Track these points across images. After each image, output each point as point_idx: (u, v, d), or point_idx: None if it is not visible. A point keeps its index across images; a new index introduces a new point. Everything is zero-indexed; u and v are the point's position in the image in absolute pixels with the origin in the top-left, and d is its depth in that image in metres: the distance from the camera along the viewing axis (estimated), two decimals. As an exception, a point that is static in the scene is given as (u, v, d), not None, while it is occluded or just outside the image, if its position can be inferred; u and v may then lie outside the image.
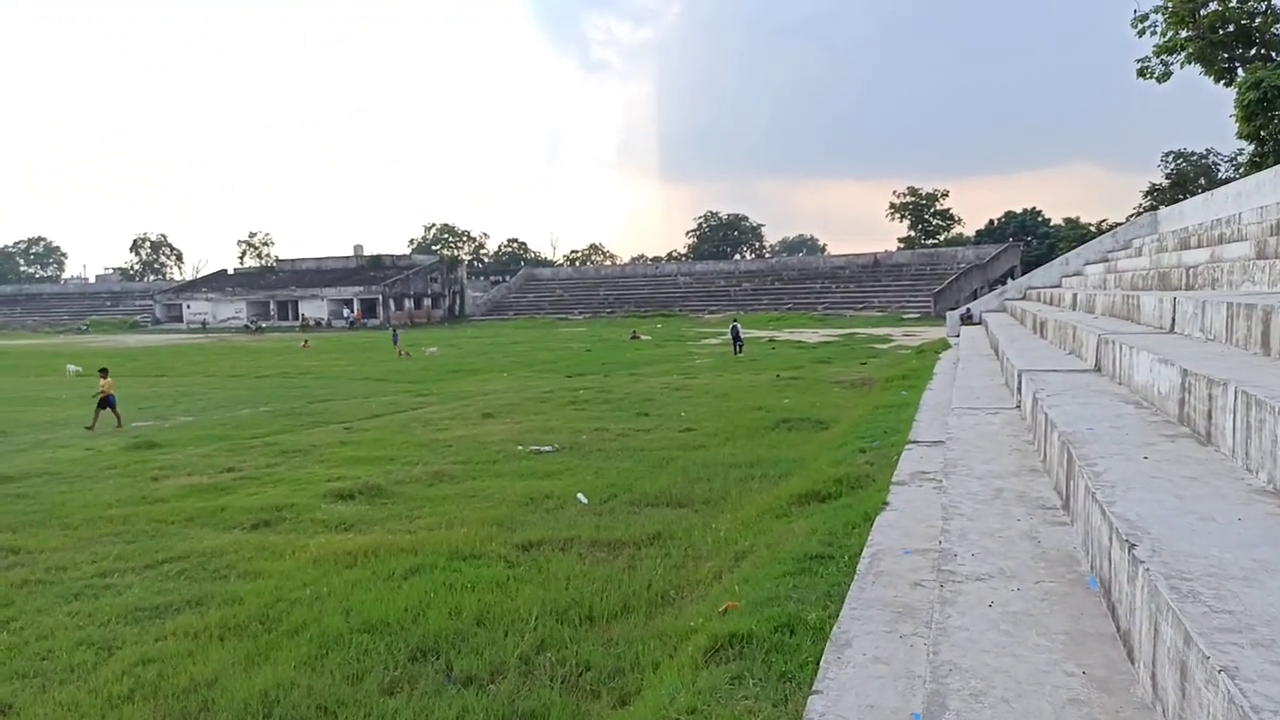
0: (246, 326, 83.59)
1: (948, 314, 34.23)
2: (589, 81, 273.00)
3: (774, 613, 5.42)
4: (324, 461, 13.99)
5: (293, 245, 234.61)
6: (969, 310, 30.29)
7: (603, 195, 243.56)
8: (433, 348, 46.78)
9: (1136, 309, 9.70)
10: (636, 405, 19.92)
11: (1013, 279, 52.85)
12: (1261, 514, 3.10)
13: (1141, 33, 28.77)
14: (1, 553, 9.20)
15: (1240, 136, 27.13)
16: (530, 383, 27.42)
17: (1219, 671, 1.91)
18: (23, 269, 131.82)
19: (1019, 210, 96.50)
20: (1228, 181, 37.97)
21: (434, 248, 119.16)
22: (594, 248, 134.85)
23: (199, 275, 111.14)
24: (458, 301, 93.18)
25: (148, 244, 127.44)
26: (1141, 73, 29.23)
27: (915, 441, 8.79)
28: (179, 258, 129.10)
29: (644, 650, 5.94)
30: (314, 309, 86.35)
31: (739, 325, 39.51)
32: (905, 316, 65.25)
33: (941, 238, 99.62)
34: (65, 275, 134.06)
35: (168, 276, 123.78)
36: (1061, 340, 10.47)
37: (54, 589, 7.97)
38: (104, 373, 20.91)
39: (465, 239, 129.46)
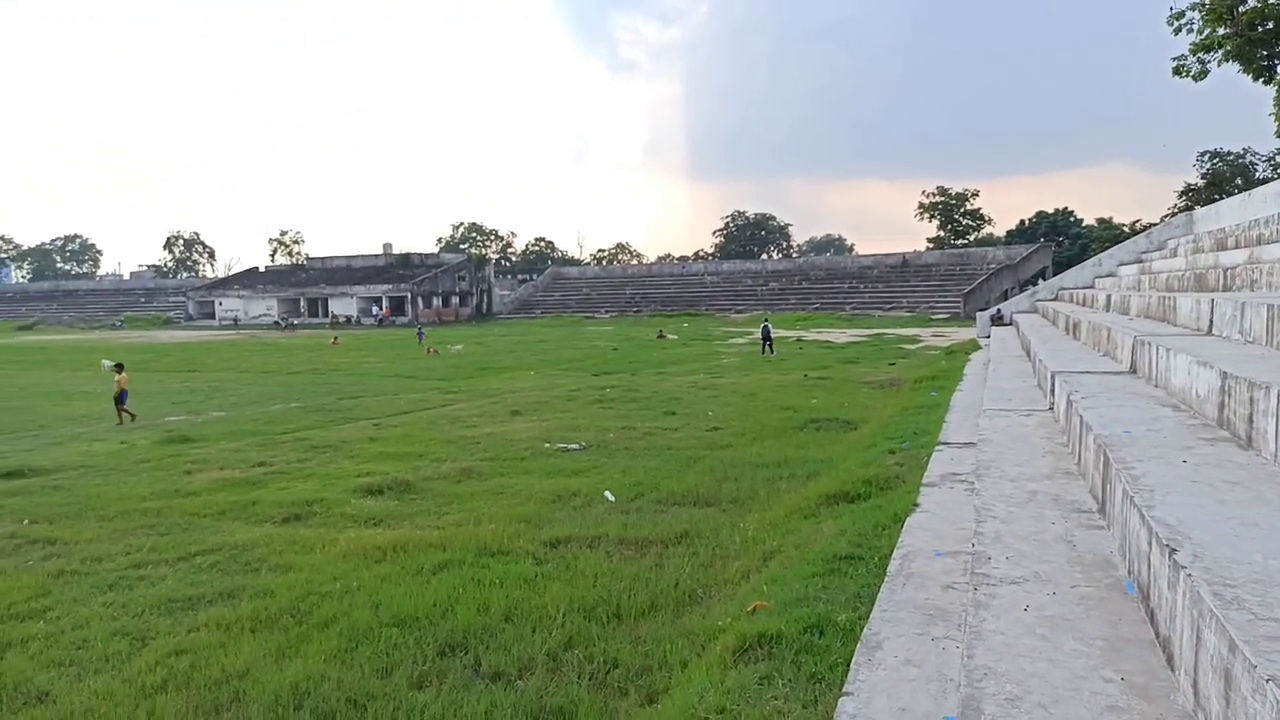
0: (277, 323, 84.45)
1: (978, 315, 33.92)
2: (616, 81, 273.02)
3: (803, 613, 5.39)
4: (354, 457, 14.10)
5: (323, 243, 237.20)
6: (999, 311, 30.01)
7: (630, 195, 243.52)
8: (458, 345, 47.02)
9: (1173, 311, 9.56)
10: (663, 404, 19.91)
11: (1044, 280, 52.31)
12: (1306, 520, 3.05)
13: (1178, 30, 28.29)
14: (39, 543, 9.36)
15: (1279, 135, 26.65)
16: (557, 381, 27.48)
17: (1267, 680, 1.87)
18: (59, 265, 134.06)
19: (1051, 210, 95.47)
20: (1266, 181, 37.33)
21: (462, 246, 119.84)
22: (621, 247, 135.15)
23: (231, 272, 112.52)
24: (485, 300, 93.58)
25: (181, 241, 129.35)
26: (1177, 71, 28.75)
27: (946, 443, 8.72)
28: (211, 255, 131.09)
29: (672, 649, 5.93)
30: (343, 306, 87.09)
31: (770, 325, 39.36)
32: (934, 317, 64.73)
33: (971, 238, 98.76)
34: (100, 272, 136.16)
35: (200, 273, 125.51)
36: (1095, 342, 10.34)
37: (89, 579, 8.09)
38: (119, 368, 21.09)
39: (493, 238, 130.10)
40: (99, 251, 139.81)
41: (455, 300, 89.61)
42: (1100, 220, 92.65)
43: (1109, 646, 2.89)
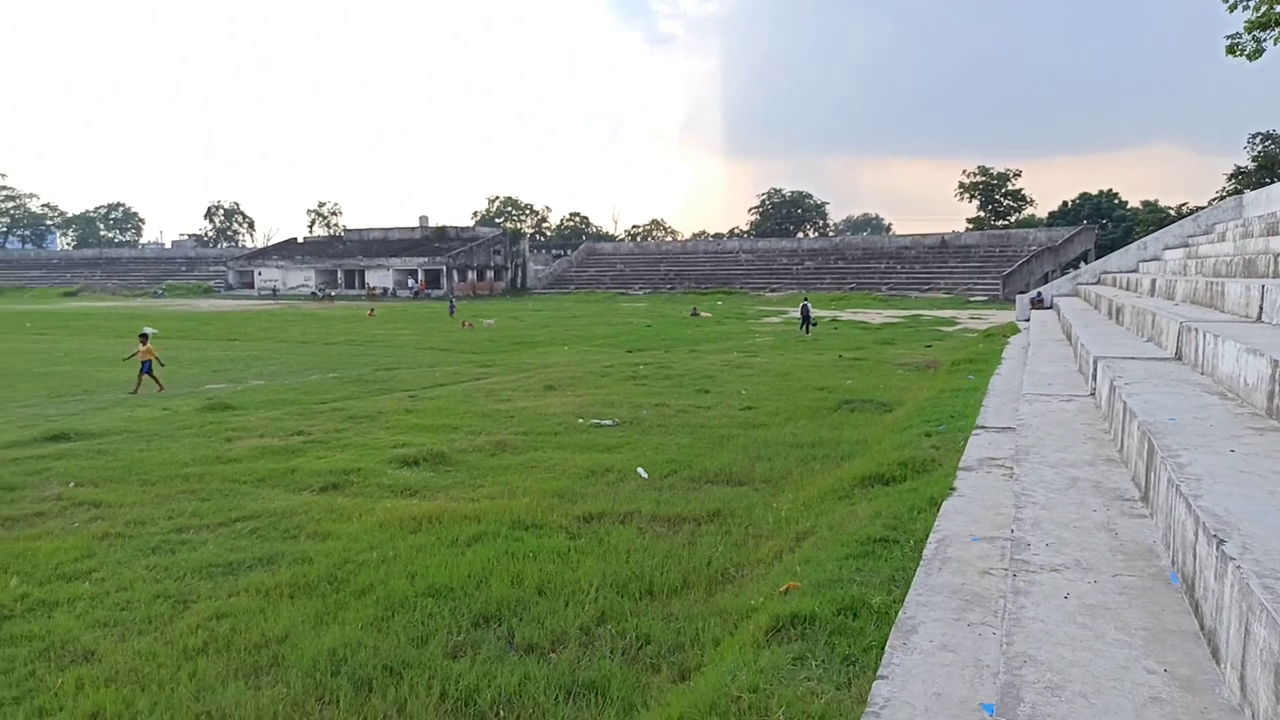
0: (314, 294, 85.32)
1: (1017, 297, 33.44)
2: (654, 55, 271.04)
3: (837, 595, 5.38)
4: (390, 428, 14.24)
5: (360, 215, 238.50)
6: (1039, 294, 29.56)
7: (665, 170, 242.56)
8: (490, 319, 47.24)
9: (1220, 296, 9.37)
10: (696, 382, 19.89)
11: (1086, 263, 51.42)
12: (1360, 514, 2.98)
13: (1233, 7, 27.49)
14: (84, 505, 9.58)
15: (1337, 117, 25.90)
16: (591, 357, 27.55)
17: (1319, 676, 1.84)
18: (103, 233, 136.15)
19: (1094, 192, 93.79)
20: (1320, 165, 36.26)
21: (497, 220, 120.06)
22: (655, 223, 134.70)
23: (270, 243, 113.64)
24: (520, 274, 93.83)
25: (221, 211, 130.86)
26: (1231, 49, 27.95)
27: (983, 427, 8.63)
28: (251, 225, 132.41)
29: (704, 626, 5.95)
30: (379, 278, 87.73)
31: (809, 304, 39.08)
32: (972, 299, 63.96)
33: (1012, 219, 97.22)
34: (143, 240, 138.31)
35: (240, 243, 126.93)
36: (1139, 327, 10.16)
37: (133, 542, 8.27)
38: (144, 337, 21.40)
39: (528, 212, 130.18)
40: (141, 220, 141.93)
41: (490, 274, 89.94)
42: (1145, 203, 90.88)
43: (1151, 637, 2.85)
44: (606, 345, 32.41)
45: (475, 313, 52.46)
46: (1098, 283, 26.04)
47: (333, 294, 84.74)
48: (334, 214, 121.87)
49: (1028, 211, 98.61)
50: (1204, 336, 6.47)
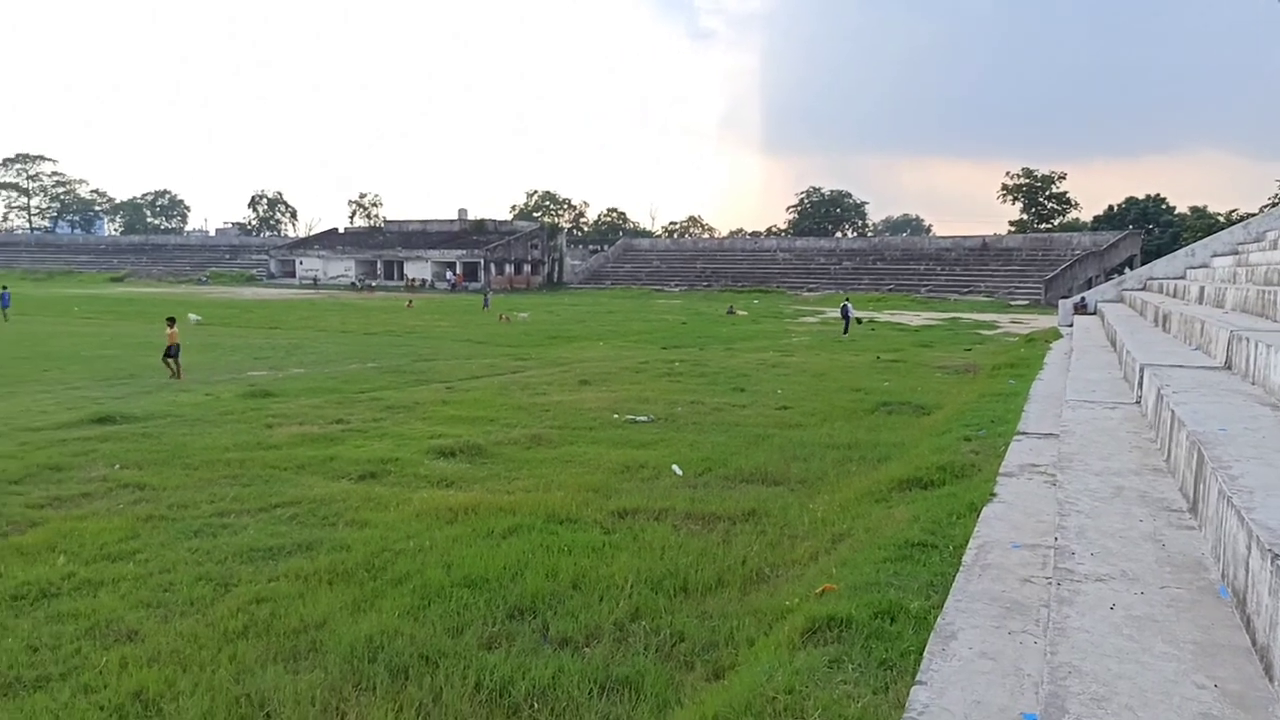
0: (354, 284, 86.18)
1: (1060, 302, 32.96)
2: (695, 50, 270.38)
3: (874, 599, 5.35)
4: (427, 419, 14.37)
5: (400, 207, 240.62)
6: (1083, 299, 29.10)
7: (703, 167, 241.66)
8: (524, 313, 47.41)
9: (1272, 305, 9.18)
10: (732, 380, 19.84)
11: (1131, 269, 50.51)
12: None
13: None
14: (129, 488, 9.78)
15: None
16: (626, 352, 27.58)
17: (1381, 698, 1.80)
18: (149, 220, 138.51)
19: (1141, 196, 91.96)
20: (1378, 173, 35.29)
21: (535, 214, 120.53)
22: (692, 220, 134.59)
23: (311, 233, 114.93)
24: (556, 269, 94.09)
25: (264, 200, 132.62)
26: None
27: (1025, 433, 8.52)
28: (293, 215, 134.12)
29: (739, 626, 5.94)
30: (418, 270, 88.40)
31: (850, 305, 38.78)
32: (1013, 303, 63.10)
33: (1056, 222, 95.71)
34: (188, 228, 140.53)
35: (282, 233, 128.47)
36: (1187, 335, 9.98)
37: (176, 525, 8.43)
38: (171, 322, 21.63)
39: (565, 207, 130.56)
40: (187, 207, 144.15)
41: (527, 268, 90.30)
42: (1194, 209, 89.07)
43: (1201, 651, 2.80)
44: (642, 341, 32.43)
45: (510, 306, 52.71)
46: (1144, 289, 25.59)
47: (372, 284, 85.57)
48: (375, 205, 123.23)
49: (1072, 215, 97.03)
50: (1256, 346, 6.34)
